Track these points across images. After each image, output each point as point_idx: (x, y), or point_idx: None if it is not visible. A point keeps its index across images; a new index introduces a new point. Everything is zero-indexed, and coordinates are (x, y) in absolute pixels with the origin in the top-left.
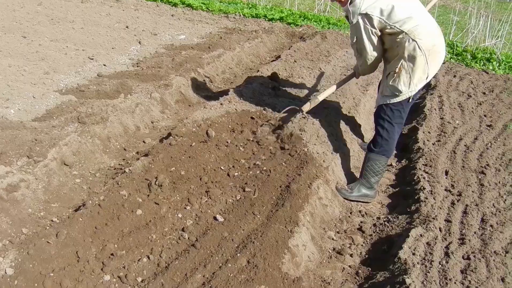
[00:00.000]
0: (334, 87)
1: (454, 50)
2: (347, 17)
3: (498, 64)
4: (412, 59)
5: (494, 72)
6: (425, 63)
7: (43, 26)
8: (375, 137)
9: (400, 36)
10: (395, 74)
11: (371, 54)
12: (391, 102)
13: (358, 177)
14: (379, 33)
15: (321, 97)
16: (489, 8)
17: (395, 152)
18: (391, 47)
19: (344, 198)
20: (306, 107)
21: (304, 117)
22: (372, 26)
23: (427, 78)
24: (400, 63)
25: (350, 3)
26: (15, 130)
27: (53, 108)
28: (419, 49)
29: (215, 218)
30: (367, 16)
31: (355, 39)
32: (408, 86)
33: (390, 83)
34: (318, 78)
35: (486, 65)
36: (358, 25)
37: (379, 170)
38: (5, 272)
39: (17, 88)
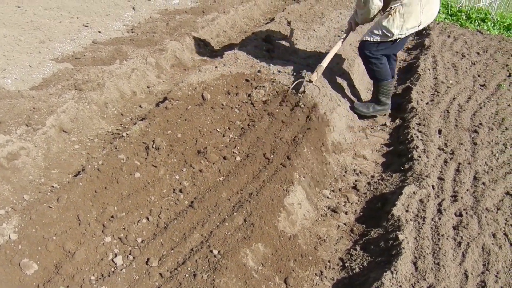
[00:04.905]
0: (336, 47)
1: (449, 10)
2: None
3: (492, 24)
4: (409, 5)
5: (488, 32)
6: (420, 11)
7: None
8: (369, 73)
9: None
10: (390, 16)
11: (377, 4)
12: (376, 41)
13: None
14: None
15: (324, 63)
16: None
17: (389, 111)
18: None
19: (362, 115)
20: (314, 76)
21: (315, 87)
22: None
23: (419, 25)
24: (396, 6)
25: None
26: (13, 99)
27: (50, 76)
28: None
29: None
30: None
31: None
32: (400, 29)
33: (384, 24)
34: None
35: (480, 25)
36: None
37: (387, 91)
38: (9, 238)
39: (13, 58)
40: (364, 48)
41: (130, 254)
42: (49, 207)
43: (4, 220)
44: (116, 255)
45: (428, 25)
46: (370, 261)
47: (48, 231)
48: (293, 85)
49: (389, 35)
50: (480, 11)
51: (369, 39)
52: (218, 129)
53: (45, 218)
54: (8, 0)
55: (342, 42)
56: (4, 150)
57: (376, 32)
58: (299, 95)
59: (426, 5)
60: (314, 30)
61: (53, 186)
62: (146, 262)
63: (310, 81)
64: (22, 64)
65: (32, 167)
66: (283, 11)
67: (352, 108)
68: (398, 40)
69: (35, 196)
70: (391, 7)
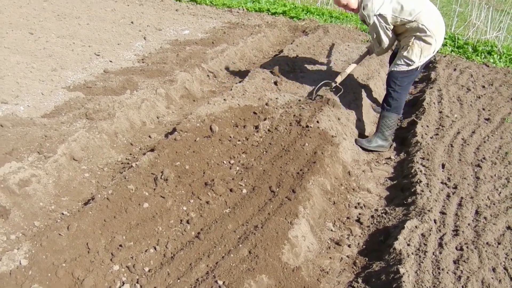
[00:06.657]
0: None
1: (456, 42)
2: (363, 21)
3: (499, 57)
4: (423, 37)
5: (494, 65)
6: (434, 40)
7: (49, 22)
8: (387, 98)
9: (411, 23)
10: (409, 47)
11: (387, 43)
12: (402, 70)
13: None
14: (392, 27)
15: (348, 70)
16: None
17: (394, 145)
18: (404, 31)
19: (363, 149)
20: (339, 79)
21: (337, 87)
22: (386, 23)
23: (433, 52)
24: (413, 39)
25: (363, 9)
26: (26, 126)
27: (62, 105)
28: (428, 30)
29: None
30: (381, 16)
31: (374, 35)
32: (419, 58)
33: (404, 54)
34: (330, 50)
35: (487, 58)
36: (375, 25)
37: (391, 125)
38: (20, 263)
39: (26, 85)
40: (391, 78)
41: (137, 282)
42: (60, 234)
43: (14, 246)
44: (123, 283)
45: (435, 58)
46: None
47: (58, 258)
48: (320, 85)
49: (411, 63)
50: (486, 44)
51: (395, 70)
52: (225, 162)
53: (55, 245)
54: (21, 27)
55: (361, 59)
56: (16, 176)
57: (399, 63)
58: (327, 88)
59: (436, 33)
60: (322, 63)
61: (63, 214)
62: None
63: (335, 82)
64: (34, 91)
65: (43, 194)
66: (291, 43)
67: (355, 141)
68: (418, 68)
69: (45, 223)
70: (409, 40)
